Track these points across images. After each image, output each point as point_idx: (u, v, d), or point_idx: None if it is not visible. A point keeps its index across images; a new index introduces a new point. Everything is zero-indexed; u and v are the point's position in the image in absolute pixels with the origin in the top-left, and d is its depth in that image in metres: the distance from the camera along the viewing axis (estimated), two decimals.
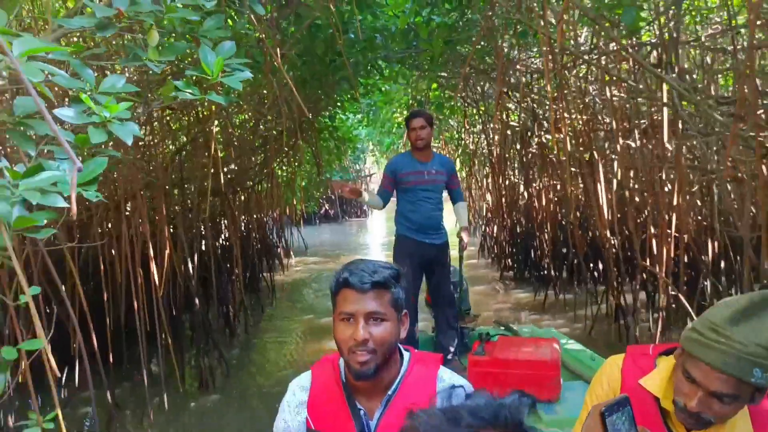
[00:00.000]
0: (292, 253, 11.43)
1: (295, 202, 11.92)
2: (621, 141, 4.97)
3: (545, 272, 7.80)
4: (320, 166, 9.22)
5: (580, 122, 5.59)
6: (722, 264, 5.41)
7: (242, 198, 7.94)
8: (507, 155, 8.42)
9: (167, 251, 4.20)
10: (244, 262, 7.00)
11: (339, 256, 11.67)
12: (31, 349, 1.84)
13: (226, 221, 7.13)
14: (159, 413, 4.20)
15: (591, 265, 7.18)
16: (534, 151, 7.61)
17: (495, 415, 0.67)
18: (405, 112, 10.58)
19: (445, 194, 4.26)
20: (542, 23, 3.74)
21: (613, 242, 5.51)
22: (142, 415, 4.17)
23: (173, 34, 2.15)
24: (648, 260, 4.72)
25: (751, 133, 3.19)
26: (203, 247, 5.76)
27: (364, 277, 1.31)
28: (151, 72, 2.09)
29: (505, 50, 5.60)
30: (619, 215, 5.62)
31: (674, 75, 4.09)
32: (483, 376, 3.11)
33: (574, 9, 3.90)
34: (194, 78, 1.95)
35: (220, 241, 7.52)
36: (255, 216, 8.59)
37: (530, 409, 0.72)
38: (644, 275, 5.73)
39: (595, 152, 5.30)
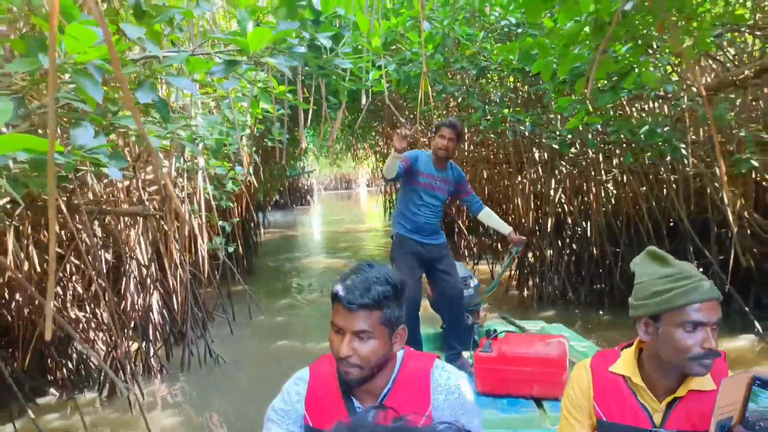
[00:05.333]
0: (262, 226, 16.34)
1: (266, 193, 16.75)
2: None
3: None
4: (285, 166, 14.09)
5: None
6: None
7: None
8: None
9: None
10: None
11: (291, 227, 17.47)
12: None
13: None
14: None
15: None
16: None
17: None
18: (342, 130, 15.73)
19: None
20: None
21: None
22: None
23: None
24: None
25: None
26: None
27: (354, 297, 1.31)
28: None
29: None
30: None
31: None
32: (489, 373, 3.08)
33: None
34: None
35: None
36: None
37: None
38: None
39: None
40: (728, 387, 1.26)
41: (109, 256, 5.12)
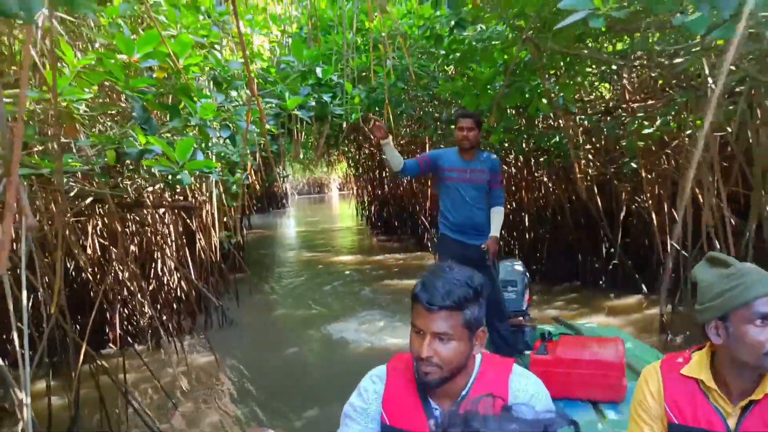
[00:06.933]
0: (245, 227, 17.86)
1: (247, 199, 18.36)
2: None
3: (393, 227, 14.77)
4: (269, 173, 15.58)
5: None
6: None
7: None
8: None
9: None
10: None
11: (270, 228, 19.38)
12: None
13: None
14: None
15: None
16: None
17: None
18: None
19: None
20: None
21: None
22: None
23: None
24: None
25: None
26: None
27: (434, 299, 1.31)
28: None
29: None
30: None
31: None
32: (545, 376, 2.86)
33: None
34: None
35: None
36: None
37: None
38: None
39: None
40: None
41: (134, 246, 6.57)
